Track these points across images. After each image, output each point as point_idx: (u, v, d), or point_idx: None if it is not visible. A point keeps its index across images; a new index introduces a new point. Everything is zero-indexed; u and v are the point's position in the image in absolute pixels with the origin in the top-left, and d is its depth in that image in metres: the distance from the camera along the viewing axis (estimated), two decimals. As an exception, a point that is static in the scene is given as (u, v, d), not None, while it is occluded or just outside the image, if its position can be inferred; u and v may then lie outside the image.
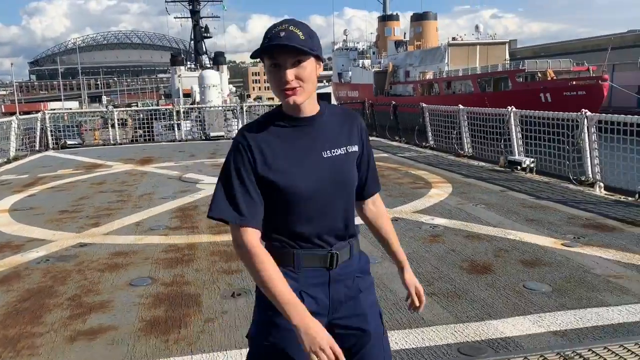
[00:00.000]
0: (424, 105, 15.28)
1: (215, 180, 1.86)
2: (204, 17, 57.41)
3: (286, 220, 1.80)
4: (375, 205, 2.12)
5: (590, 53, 61.08)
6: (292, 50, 1.69)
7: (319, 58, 1.77)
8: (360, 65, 76.33)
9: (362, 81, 73.52)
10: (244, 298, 4.53)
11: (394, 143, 16.33)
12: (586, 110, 9.13)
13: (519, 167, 10.48)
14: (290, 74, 1.71)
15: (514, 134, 11.09)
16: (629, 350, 3.45)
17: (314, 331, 1.63)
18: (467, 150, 12.95)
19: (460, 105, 13.33)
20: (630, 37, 70.32)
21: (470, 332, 3.83)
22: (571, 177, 9.40)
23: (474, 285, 4.71)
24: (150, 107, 27.32)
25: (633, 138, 8.35)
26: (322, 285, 1.84)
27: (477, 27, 63.95)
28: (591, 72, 45.79)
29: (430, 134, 14.98)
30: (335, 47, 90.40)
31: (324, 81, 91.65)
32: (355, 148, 1.92)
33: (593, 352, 3.45)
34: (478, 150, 12.67)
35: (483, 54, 60.44)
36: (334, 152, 1.84)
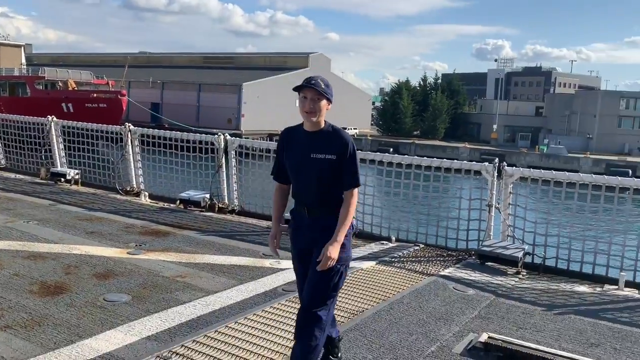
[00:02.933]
0: None
1: None
2: None
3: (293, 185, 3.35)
4: (345, 196, 3.21)
5: (109, 68, 63.91)
6: (314, 91, 3.08)
7: (329, 100, 3.13)
8: None
9: None
10: None
11: None
12: (130, 124, 9.68)
13: (62, 179, 10.10)
14: (312, 104, 3.09)
15: (55, 145, 10.61)
16: (210, 337, 3.98)
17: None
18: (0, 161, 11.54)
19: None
20: (142, 58, 77.43)
21: (64, 357, 3.58)
22: (118, 188, 9.75)
23: (53, 309, 4.37)
24: None
25: (173, 152, 9.38)
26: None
27: (-14, 24, 57.05)
28: (110, 86, 47.94)
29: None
30: None
31: None
32: (332, 157, 3.13)
33: (185, 347, 3.81)
34: (14, 162, 11.49)
35: (-5, 54, 54.58)
36: (317, 156, 3.13)
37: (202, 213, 8.53)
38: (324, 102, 3.11)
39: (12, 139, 11.36)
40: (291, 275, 5.57)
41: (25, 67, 52.67)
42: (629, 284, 5.97)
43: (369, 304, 4.83)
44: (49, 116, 10.66)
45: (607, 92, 71.46)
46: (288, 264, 6.01)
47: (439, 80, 76.64)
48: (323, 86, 3.10)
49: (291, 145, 3.27)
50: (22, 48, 59.16)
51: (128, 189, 9.69)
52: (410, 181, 7.66)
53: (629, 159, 53.06)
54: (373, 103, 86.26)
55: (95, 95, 43.26)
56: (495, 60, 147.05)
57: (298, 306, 4.67)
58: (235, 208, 8.81)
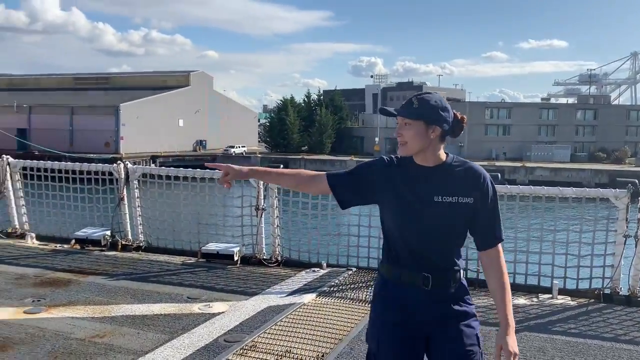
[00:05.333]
0: None
1: None
2: None
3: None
4: (487, 257, 2.40)
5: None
6: (402, 115, 2.33)
7: (430, 123, 2.27)
8: None
9: None
10: None
11: None
12: (9, 157, 8.38)
13: None
14: (400, 131, 2.33)
15: None
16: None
17: None
18: None
19: None
20: (4, 81, 70.63)
21: None
22: (-3, 230, 8.38)
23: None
24: None
25: (62, 185, 8.24)
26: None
27: None
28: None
29: None
30: None
31: None
32: (469, 200, 2.28)
33: None
34: None
35: None
36: (445, 199, 2.26)
37: (103, 253, 7.53)
38: (418, 128, 2.27)
39: None
40: (228, 322, 4.94)
41: None
42: (561, 292, 6.08)
43: (327, 347, 4.36)
44: None
45: (474, 103, 77.47)
46: (220, 307, 5.37)
47: (322, 97, 78.28)
48: (415, 105, 2.28)
49: (393, 181, 2.33)
50: None
51: (10, 231, 8.35)
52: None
53: (497, 163, 57.73)
54: (258, 120, 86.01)
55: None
56: (371, 77, 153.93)
57: None
58: (142, 244, 7.91)
